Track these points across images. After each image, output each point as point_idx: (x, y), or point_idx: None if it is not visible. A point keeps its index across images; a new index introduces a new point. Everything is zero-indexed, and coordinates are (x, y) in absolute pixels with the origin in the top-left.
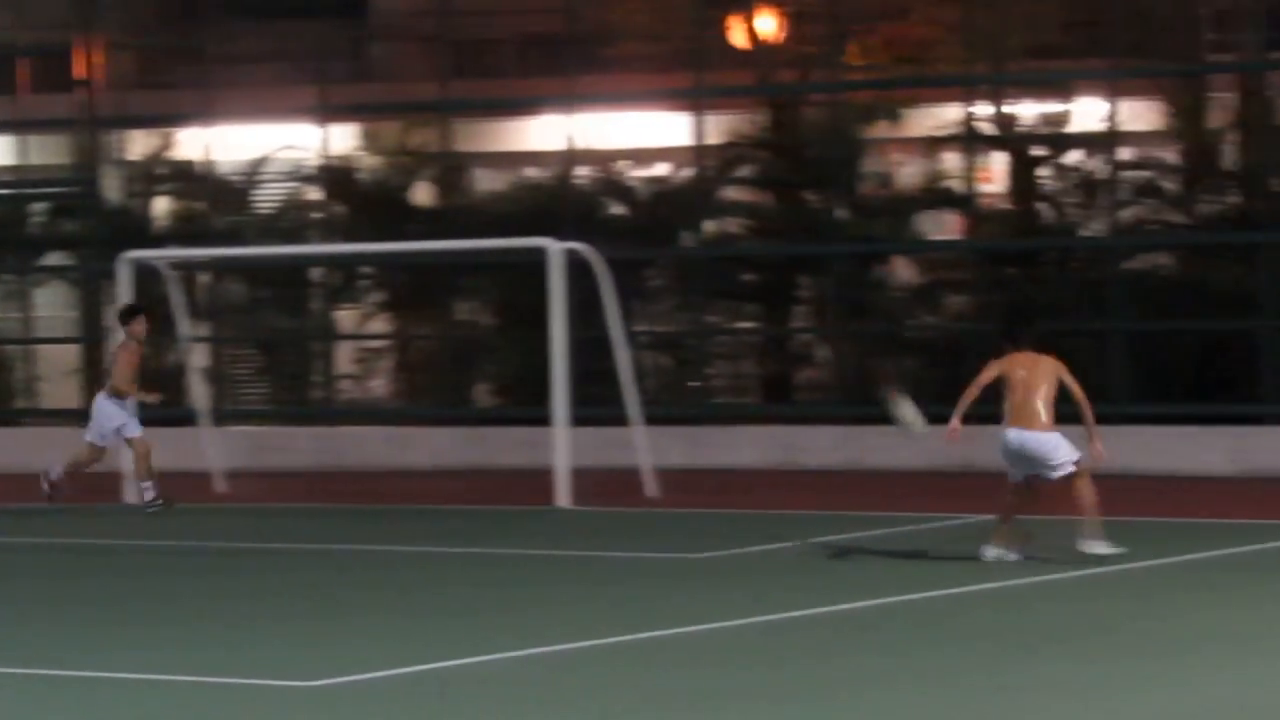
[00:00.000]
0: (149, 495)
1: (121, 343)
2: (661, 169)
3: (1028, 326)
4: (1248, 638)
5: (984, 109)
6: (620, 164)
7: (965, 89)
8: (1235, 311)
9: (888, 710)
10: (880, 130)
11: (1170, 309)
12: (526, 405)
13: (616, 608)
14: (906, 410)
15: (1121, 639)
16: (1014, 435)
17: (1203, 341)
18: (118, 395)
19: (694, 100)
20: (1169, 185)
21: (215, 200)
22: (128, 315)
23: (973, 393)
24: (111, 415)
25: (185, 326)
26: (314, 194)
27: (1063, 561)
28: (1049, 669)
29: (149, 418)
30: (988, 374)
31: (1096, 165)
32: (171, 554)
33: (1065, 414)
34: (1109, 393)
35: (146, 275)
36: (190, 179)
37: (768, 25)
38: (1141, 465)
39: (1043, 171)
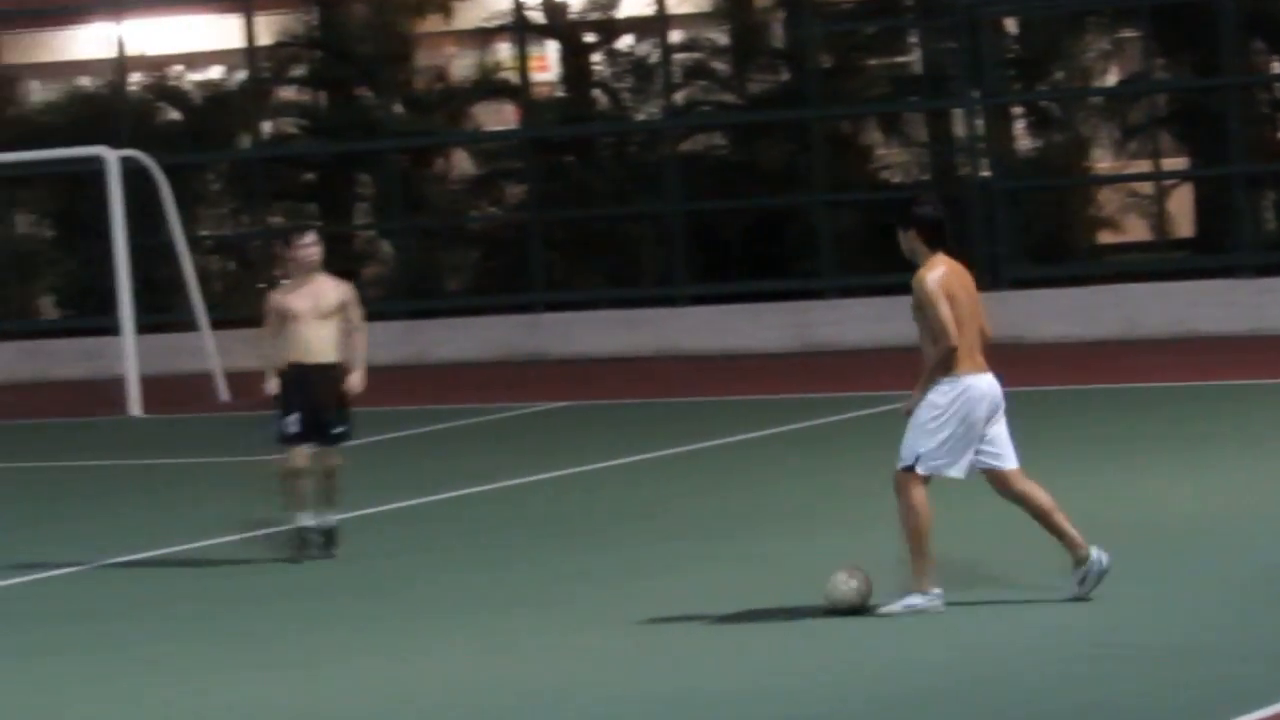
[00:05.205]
0: None
1: None
2: (215, 72)
3: None
4: (817, 513)
5: None
6: (173, 69)
7: None
8: (789, 188)
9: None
10: (432, 24)
11: (726, 189)
12: (90, 315)
13: (191, 514)
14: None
15: (687, 518)
16: None
17: (759, 220)
18: None
19: (244, 2)
20: (719, 66)
21: None
22: None
23: None
24: None
25: None
26: None
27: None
28: (627, 551)
29: None
30: None
31: (647, 49)
32: None
33: None
34: (671, 276)
35: None
36: None
37: None
38: (706, 345)
39: (595, 58)
